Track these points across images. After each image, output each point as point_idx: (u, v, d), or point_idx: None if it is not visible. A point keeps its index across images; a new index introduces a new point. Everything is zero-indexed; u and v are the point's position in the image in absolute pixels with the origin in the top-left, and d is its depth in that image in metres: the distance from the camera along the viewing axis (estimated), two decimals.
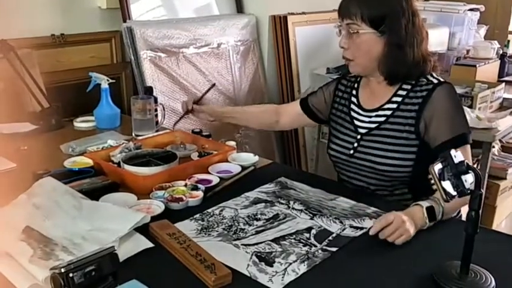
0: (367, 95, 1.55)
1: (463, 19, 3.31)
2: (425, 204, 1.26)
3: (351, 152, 1.52)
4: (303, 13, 2.92)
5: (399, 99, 1.46)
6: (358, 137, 1.51)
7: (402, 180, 1.46)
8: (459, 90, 2.61)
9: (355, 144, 1.51)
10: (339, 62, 2.91)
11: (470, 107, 2.48)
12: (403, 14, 1.39)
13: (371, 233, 1.21)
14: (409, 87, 1.46)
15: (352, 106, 1.57)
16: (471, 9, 3.37)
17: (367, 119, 1.51)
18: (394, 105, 1.47)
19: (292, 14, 2.86)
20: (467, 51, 3.36)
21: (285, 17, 2.79)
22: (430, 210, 1.25)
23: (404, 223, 1.20)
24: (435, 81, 1.44)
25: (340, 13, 1.44)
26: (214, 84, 1.71)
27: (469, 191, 1.01)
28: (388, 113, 1.47)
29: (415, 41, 1.41)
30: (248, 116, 1.84)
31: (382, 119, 1.48)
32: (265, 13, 2.84)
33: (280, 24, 2.80)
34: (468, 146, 1.40)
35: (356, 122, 1.54)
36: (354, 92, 1.59)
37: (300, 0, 2.94)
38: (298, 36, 2.85)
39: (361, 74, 1.54)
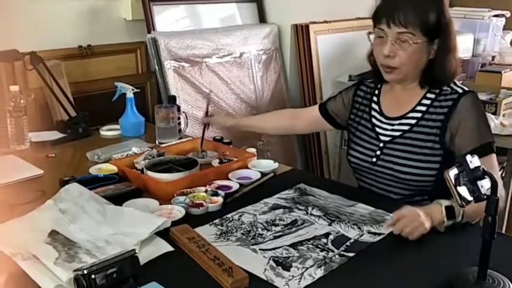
0: (389, 102, 1.55)
1: (488, 25, 3.28)
2: (445, 202, 1.26)
3: (374, 160, 1.52)
4: (325, 22, 2.94)
5: (424, 108, 1.46)
6: (381, 145, 1.51)
7: (424, 189, 1.46)
8: (483, 96, 2.59)
9: (378, 152, 1.51)
10: (361, 70, 2.91)
11: (494, 113, 2.45)
12: (450, 22, 1.42)
13: (384, 228, 1.24)
14: (433, 96, 1.46)
15: (373, 113, 1.57)
16: (496, 15, 3.34)
17: (389, 127, 1.51)
18: (419, 114, 1.46)
19: (314, 22, 2.88)
20: (493, 57, 3.33)
21: (307, 26, 2.81)
22: (450, 209, 1.24)
23: (418, 216, 1.21)
24: (459, 90, 1.44)
25: (389, 21, 1.39)
26: (210, 92, 1.76)
27: (485, 197, 1.00)
28: (413, 121, 1.47)
29: (456, 49, 1.43)
30: (262, 124, 1.87)
31: (406, 127, 1.47)
32: (288, 22, 2.87)
33: (302, 33, 2.82)
34: (494, 155, 1.39)
35: (378, 130, 1.54)
36: (375, 98, 1.59)
37: (321, 9, 2.96)
38: (320, 44, 2.87)
39: (399, 82, 1.50)
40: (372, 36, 1.48)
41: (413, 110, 1.47)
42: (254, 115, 2.04)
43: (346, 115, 1.67)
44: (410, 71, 1.44)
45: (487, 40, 3.31)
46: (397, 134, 1.49)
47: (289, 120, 1.81)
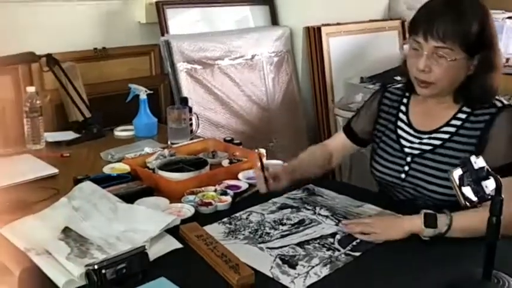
0: (420, 114, 1.45)
1: (502, 27, 3.25)
2: (426, 211, 1.23)
3: (403, 176, 1.42)
4: (337, 24, 2.95)
5: (458, 122, 1.37)
6: (408, 159, 1.42)
7: (450, 206, 1.31)
8: None
9: (406, 168, 1.42)
10: (372, 72, 2.92)
11: None
12: (493, 37, 1.32)
13: (341, 225, 1.31)
14: (469, 110, 1.36)
15: (400, 123, 1.48)
16: (510, 17, 3.31)
17: (417, 140, 1.42)
18: (453, 129, 1.37)
19: (327, 25, 2.89)
20: (507, 59, 3.29)
21: (319, 28, 2.83)
22: (430, 216, 1.21)
23: (378, 223, 1.28)
24: (498, 104, 1.34)
25: (426, 33, 1.28)
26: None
27: (489, 197, 1.01)
28: (446, 136, 1.37)
29: (499, 66, 1.33)
30: (307, 168, 1.60)
31: (438, 142, 1.38)
32: (300, 25, 2.89)
33: (314, 35, 2.84)
34: None
35: (402, 142, 1.45)
36: (403, 107, 1.49)
37: (334, 12, 2.97)
38: (332, 46, 2.88)
39: (433, 97, 1.39)
40: (406, 46, 1.37)
41: (447, 125, 1.38)
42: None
43: (370, 128, 1.56)
44: (446, 86, 1.33)
45: (501, 42, 3.28)
46: (427, 148, 1.39)
47: (327, 157, 1.65)
